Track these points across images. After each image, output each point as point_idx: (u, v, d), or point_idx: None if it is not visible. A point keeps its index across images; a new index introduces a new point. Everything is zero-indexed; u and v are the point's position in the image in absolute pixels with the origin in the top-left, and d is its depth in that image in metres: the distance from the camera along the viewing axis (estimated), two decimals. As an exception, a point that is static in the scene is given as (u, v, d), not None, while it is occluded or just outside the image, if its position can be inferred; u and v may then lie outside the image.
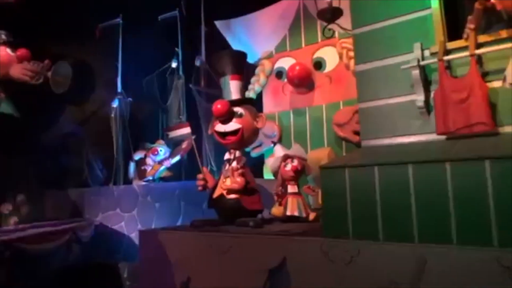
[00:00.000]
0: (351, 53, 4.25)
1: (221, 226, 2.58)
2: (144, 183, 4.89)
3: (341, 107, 4.41)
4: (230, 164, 2.73)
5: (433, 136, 2.00)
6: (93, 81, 6.01)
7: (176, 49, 6.15)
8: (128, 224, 4.30)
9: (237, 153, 2.76)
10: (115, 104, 5.32)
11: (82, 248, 3.60)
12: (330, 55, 4.66)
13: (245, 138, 2.73)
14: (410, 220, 1.61)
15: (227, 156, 2.78)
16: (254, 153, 4.89)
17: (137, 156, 5.21)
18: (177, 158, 4.52)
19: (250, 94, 5.40)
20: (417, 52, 2.17)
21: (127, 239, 4.25)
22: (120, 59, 5.57)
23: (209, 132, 2.88)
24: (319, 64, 4.77)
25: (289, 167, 2.80)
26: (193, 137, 3.38)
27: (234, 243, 2.07)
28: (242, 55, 3.03)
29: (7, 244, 2.48)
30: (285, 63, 5.43)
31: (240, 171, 2.60)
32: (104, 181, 5.15)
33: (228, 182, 2.65)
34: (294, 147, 2.89)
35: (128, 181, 5.31)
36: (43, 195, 4.45)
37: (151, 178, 4.50)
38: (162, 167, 4.52)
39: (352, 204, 1.77)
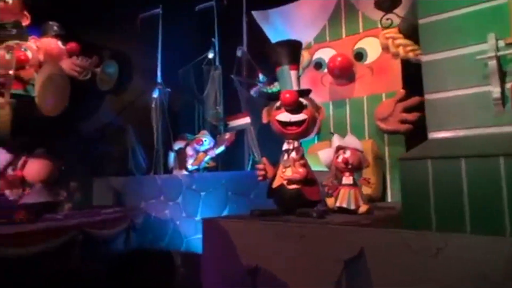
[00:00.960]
0: (398, 41, 4.19)
1: (281, 216, 2.59)
2: (186, 172, 4.95)
3: (384, 99, 4.36)
4: (289, 155, 2.73)
5: (508, 128, 1.96)
6: (131, 71, 6.09)
7: (213, 39, 6.17)
8: (172, 212, 4.38)
9: (296, 144, 2.75)
10: (155, 94, 5.37)
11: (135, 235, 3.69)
12: (371, 46, 4.60)
13: (307, 130, 2.73)
14: (502, 213, 1.58)
15: (285, 146, 2.78)
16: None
17: (177, 146, 5.28)
18: (221, 148, 4.56)
19: (277, 87, 5.37)
20: (491, 43, 2.12)
21: (172, 227, 4.33)
22: (160, 49, 5.60)
23: (264, 121, 2.87)
24: (360, 55, 4.72)
25: (340, 158, 2.78)
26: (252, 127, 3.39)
27: (306, 233, 2.08)
28: (299, 45, 3.01)
29: (79, 228, 2.56)
30: (324, 54, 5.38)
31: (302, 161, 2.60)
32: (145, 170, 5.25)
33: (288, 172, 2.65)
34: (349, 138, 2.87)
35: (167, 171, 5.39)
36: (90, 183, 4.56)
37: (196, 167, 4.56)
38: (207, 157, 4.57)
39: (435, 196, 1.75)
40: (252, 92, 5.07)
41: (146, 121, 5.77)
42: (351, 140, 2.82)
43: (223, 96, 5.98)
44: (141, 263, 3.37)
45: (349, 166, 2.74)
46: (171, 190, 4.43)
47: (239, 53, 4.86)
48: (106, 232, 2.88)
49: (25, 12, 4.08)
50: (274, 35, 5.89)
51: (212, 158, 4.60)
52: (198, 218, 4.15)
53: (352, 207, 2.65)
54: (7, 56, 3.51)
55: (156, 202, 4.54)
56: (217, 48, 6.18)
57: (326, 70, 5.26)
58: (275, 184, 2.72)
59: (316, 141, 5.03)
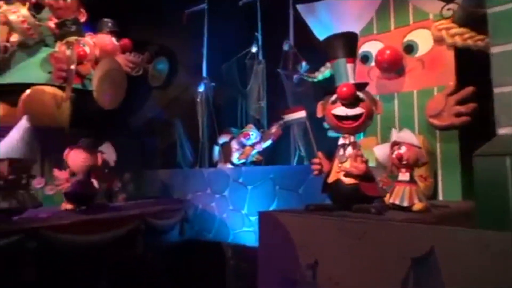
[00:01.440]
0: (453, 31, 4.02)
1: (337, 211, 2.56)
2: (231, 166, 5.00)
3: (435, 93, 4.21)
4: (345, 150, 2.69)
5: None
6: (176, 66, 6.19)
7: (256, 33, 6.17)
8: (219, 204, 4.43)
9: (352, 138, 2.71)
10: (200, 88, 5.44)
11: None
12: (422, 38, 4.44)
13: (364, 124, 2.67)
14: None
15: (341, 141, 2.74)
16: (330, 133, 4.77)
17: (222, 140, 5.33)
18: (268, 142, 4.57)
19: (319, 76, 5.27)
20: None
21: (218, 219, 4.39)
22: (205, 44, 5.66)
23: (319, 115, 2.84)
24: (410, 48, 4.56)
25: (395, 154, 2.71)
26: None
27: (369, 229, 2.04)
28: (356, 37, 2.95)
29: (141, 218, 2.65)
30: (371, 47, 5.24)
31: (364, 157, 2.56)
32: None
33: (346, 167, 2.61)
34: (404, 133, 2.78)
35: (212, 164, 5.47)
36: (141, 174, 4.70)
37: (243, 161, 4.59)
38: (254, 151, 4.59)
39: (515, 194, 1.67)
40: (293, 79, 5.01)
41: (190, 115, 5.87)
42: (407, 135, 2.74)
43: (266, 90, 5.99)
44: (194, 253, 3.44)
45: (404, 162, 2.66)
46: (217, 183, 4.49)
47: (285, 47, 4.83)
48: (165, 222, 2.96)
49: (82, 9, 4.24)
50: (319, 29, 5.80)
51: (259, 152, 4.61)
52: (245, 211, 4.18)
53: (405, 204, 2.58)
54: (68, 52, 3.67)
55: (203, 194, 4.61)
56: (260, 42, 6.17)
57: (373, 64, 5.14)
58: (331, 179, 2.69)
59: (362, 137, 4.94)
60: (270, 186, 4.00)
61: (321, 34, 5.84)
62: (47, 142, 3.36)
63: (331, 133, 4.83)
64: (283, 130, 4.57)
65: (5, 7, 3.83)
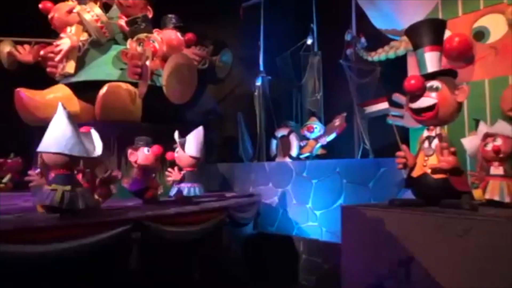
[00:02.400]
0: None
1: (424, 206, 2.46)
2: (289, 160, 4.97)
3: (510, 82, 3.95)
4: (430, 142, 2.57)
5: None
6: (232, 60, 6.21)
7: (311, 25, 6.07)
8: (281, 198, 4.41)
9: (438, 130, 2.58)
10: (258, 82, 5.43)
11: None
12: (495, 24, 4.16)
13: (442, 114, 2.53)
14: None
15: (426, 133, 2.62)
16: (389, 120, 4.58)
17: (280, 133, 5.31)
18: (332, 135, 4.49)
19: (374, 57, 5.05)
20: None
21: (281, 213, 4.37)
22: (262, 37, 5.64)
23: (405, 109, 2.75)
24: (480, 34, 4.29)
25: (489, 146, 2.54)
26: (394, 113, 3.26)
27: (473, 227, 1.94)
28: (442, 24, 2.81)
29: (227, 211, 2.69)
30: (436, 34, 5.03)
31: (452, 149, 2.43)
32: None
33: (432, 161, 2.50)
34: (500, 124, 2.61)
35: (269, 158, 5.46)
36: (202, 168, 4.76)
37: (307, 155, 4.54)
38: (318, 144, 4.53)
39: None
40: (347, 51, 4.82)
41: (247, 109, 5.88)
42: (502, 127, 2.57)
43: (323, 82, 5.89)
44: (266, 246, 3.45)
45: (501, 155, 2.50)
46: (280, 177, 4.47)
47: (347, 37, 4.70)
48: (245, 215, 2.98)
49: (148, 7, 4.33)
50: (377, 17, 5.61)
51: (323, 146, 4.54)
52: (309, 205, 4.14)
53: (507, 200, 2.42)
54: (139, 49, 3.76)
55: (265, 188, 4.61)
56: (315, 34, 6.07)
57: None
58: (416, 173, 2.58)
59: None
60: (336, 180, 3.92)
61: (380, 23, 5.66)
62: (121, 136, 3.47)
63: (390, 121, 4.67)
64: (347, 123, 4.47)
65: (78, 7, 3.98)
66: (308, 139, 4.58)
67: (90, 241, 1.81)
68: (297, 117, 6.13)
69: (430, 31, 2.77)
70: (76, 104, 3.80)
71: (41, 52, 4.17)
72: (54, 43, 3.83)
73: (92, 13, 3.81)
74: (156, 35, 3.94)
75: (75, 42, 3.75)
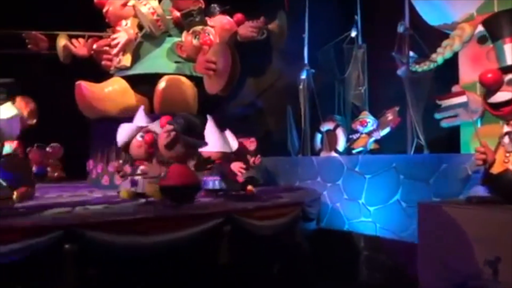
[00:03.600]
0: None
1: (505, 205, 2.36)
2: (335, 154, 4.90)
3: None
4: (511, 138, 2.47)
5: None
6: (270, 53, 6.15)
7: (355, 16, 5.93)
8: (331, 193, 4.35)
9: (519, 125, 2.47)
10: (303, 75, 5.36)
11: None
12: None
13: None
14: None
15: (507, 128, 2.51)
16: (445, 123, 4.46)
17: (325, 127, 5.23)
18: (386, 130, 4.39)
19: (438, 59, 4.93)
20: None
21: (330, 208, 4.32)
22: (306, 30, 5.55)
23: (481, 104, 2.64)
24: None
25: None
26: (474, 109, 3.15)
27: None
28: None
29: (300, 205, 2.67)
30: (490, 26, 4.84)
31: (538, 144, 2.32)
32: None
33: (516, 157, 2.39)
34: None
35: (314, 152, 5.39)
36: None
37: (360, 149, 4.46)
38: (371, 139, 4.44)
39: None
40: (399, 72, 4.75)
41: (286, 102, 5.82)
42: None
43: (367, 76, 5.77)
44: (326, 242, 3.41)
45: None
46: (329, 171, 4.40)
47: (400, 29, 4.57)
48: (313, 209, 2.93)
49: (200, 0, 4.31)
50: (425, 8, 5.44)
51: (376, 140, 4.45)
52: (362, 201, 4.06)
53: None
54: (195, 42, 3.75)
55: (312, 183, 4.55)
56: (359, 26, 5.94)
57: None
58: (496, 169, 2.47)
59: (479, 125, 4.56)
60: (392, 176, 3.83)
61: (430, 17, 5.49)
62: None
63: (445, 124, 4.54)
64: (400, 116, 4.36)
65: (132, 1, 3.99)
66: (360, 133, 4.49)
67: (187, 233, 1.82)
68: (340, 111, 6.03)
69: (510, 22, 2.65)
70: (132, 97, 3.84)
71: (94, 46, 4.21)
72: (110, 37, 3.86)
73: (149, 5, 3.81)
74: (210, 27, 3.91)
75: (132, 36, 3.77)
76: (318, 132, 5.29)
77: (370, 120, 4.46)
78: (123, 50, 3.83)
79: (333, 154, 5.01)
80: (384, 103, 5.54)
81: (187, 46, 3.84)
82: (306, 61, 5.54)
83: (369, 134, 4.41)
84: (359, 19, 5.97)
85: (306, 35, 5.56)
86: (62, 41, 4.18)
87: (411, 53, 4.85)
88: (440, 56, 4.85)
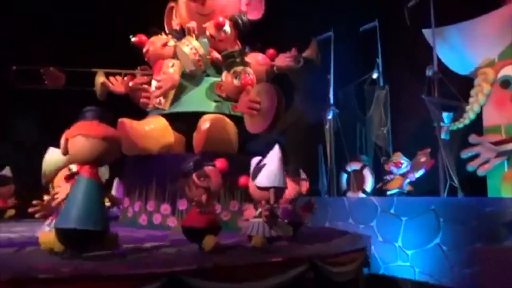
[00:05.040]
0: None
1: None
2: (363, 195, 4.87)
3: None
4: None
5: None
6: (292, 92, 6.26)
7: (377, 59, 6.11)
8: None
9: None
10: (329, 115, 5.43)
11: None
12: None
13: None
14: None
15: None
16: (481, 172, 4.43)
17: (352, 167, 5.24)
18: (421, 172, 4.39)
19: (474, 107, 5.03)
20: None
21: (364, 251, 4.22)
22: (332, 71, 5.68)
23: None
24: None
25: None
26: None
27: None
28: None
29: (364, 250, 2.61)
30: (513, 71, 5.02)
31: None
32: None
33: None
34: None
35: (340, 192, 5.37)
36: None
37: (396, 191, 4.44)
38: (407, 180, 4.43)
39: None
40: (443, 135, 4.76)
41: (311, 142, 5.87)
42: None
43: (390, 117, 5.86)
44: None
45: None
46: (362, 212, 4.36)
47: (429, 73, 4.69)
48: (368, 253, 2.87)
49: (237, 41, 4.40)
50: (447, 53, 5.63)
51: (411, 182, 4.44)
52: (399, 244, 4.00)
53: None
54: (235, 82, 3.78)
55: (344, 224, 4.49)
56: (381, 68, 6.10)
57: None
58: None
59: (506, 169, 4.57)
60: (432, 219, 3.79)
61: (451, 60, 5.67)
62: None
63: (471, 168, 4.57)
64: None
65: (172, 41, 4.06)
66: (394, 174, 4.49)
67: (276, 281, 1.75)
68: (362, 150, 6.07)
69: None
70: (171, 135, 3.80)
71: (130, 83, 4.24)
72: (157, 80, 3.88)
73: (191, 45, 3.87)
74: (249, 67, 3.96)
75: (176, 82, 3.77)
76: (344, 172, 5.29)
77: (404, 162, 4.47)
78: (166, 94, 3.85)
79: (361, 194, 4.98)
80: (409, 144, 5.60)
81: (227, 86, 3.86)
82: (332, 102, 5.63)
83: (404, 175, 4.41)
84: (380, 61, 6.15)
85: (331, 76, 5.69)
86: (100, 78, 4.19)
87: (445, 114, 4.92)
88: (475, 104, 4.96)
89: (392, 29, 6.07)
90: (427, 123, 4.93)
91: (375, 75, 5.95)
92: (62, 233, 1.74)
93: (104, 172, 2.59)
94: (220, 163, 2.25)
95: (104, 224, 1.77)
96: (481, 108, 4.70)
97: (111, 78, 4.27)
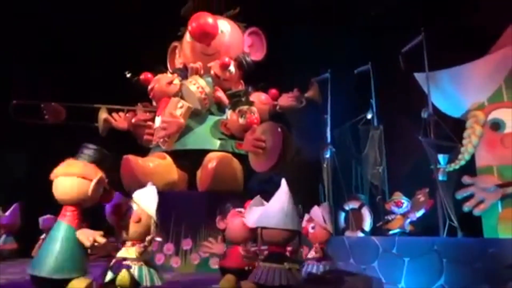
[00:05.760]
0: None
1: None
2: (361, 234, 4.85)
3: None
4: None
5: None
6: (289, 131, 6.34)
7: (371, 100, 6.29)
8: (366, 276, 4.23)
9: None
10: (327, 154, 5.49)
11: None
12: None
13: None
14: None
15: None
16: (477, 211, 4.53)
17: (350, 206, 5.24)
18: (421, 211, 4.42)
19: (468, 149, 5.19)
20: None
21: (366, 293, 4.16)
22: (329, 111, 5.81)
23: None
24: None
25: None
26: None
27: None
28: None
29: None
30: (502, 114, 5.22)
31: None
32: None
33: None
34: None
35: (338, 231, 5.33)
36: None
37: (398, 231, 4.44)
38: (408, 220, 4.44)
39: None
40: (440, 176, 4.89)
41: (304, 180, 5.88)
42: None
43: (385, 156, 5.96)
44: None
45: None
46: (363, 252, 4.32)
47: (424, 115, 4.85)
48: None
49: (241, 80, 4.52)
50: (437, 96, 5.84)
51: (412, 222, 4.46)
52: (402, 285, 3.95)
53: None
54: (241, 121, 3.85)
55: (344, 264, 4.42)
56: (375, 109, 6.27)
57: (506, 131, 5.06)
58: None
59: (500, 208, 4.67)
60: (435, 259, 3.78)
61: (442, 103, 5.88)
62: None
63: (467, 208, 4.65)
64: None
65: (177, 80, 4.14)
66: (395, 214, 4.51)
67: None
68: (357, 189, 6.11)
69: None
70: (175, 172, 3.81)
71: (133, 120, 4.27)
72: (161, 117, 3.91)
73: (197, 84, 3.95)
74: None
75: (182, 126, 3.82)
76: (342, 211, 5.29)
77: (404, 201, 4.52)
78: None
79: (359, 233, 4.96)
80: (403, 183, 5.67)
81: (232, 124, 3.93)
82: (329, 141, 5.72)
83: (404, 215, 4.44)
84: (374, 102, 6.33)
85: (328, 116, 5.81)
86: (103, 114, 4.22)
87: (442, 156, 5.05)
88: (469, 145, 5.10)
89: (385, 72, 6.30)
90: (422, 163, 5.03)
91: (369, 115, 6.09)
92: (35, 281, 1.69)
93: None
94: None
95: (81, 271, 1.73)
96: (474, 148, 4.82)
97: (114, 114, 4.30)
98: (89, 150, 1.96)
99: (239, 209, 2.60)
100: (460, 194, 4.59)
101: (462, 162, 4.75)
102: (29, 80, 5.27)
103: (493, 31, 5.69)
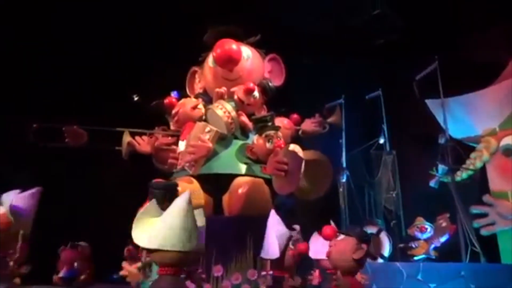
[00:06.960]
0: None
1: None
2: (381, 260, 4.81)
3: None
4: None
5: None
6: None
7: (382, 126, 6.38)
8: (392, 304, 4.18)
9: None
10: (343, 179, 5.51)
11: None
12: None
13: None
14: None
15: None
16: (485, 231, 4.62)
17: (368, 231, 5.20)
18: (445, 237, 4.42)
19: (470, 168, 5.28)
20: None
21: (392, 321, 4.10)
22: (344, 136, 5.86)
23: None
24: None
25: None
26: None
27: None
28: None
29: None
30: (514, 140, 5.34)
31: None
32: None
33: None
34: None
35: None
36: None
37: (422, 256, 4.41)
38: (432, 246, 4.43)
39: None
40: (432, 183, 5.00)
41: (323, 204, 5.86)
42: None
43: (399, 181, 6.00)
44: None
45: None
46: (386, 279, 4.27)
47: (441, 140, 4.93)
48: None
49: (264, 106, 4.53)
50: (451, 122, 5.94)
51: (435, 248, 4.44)
52: (428, 312, 3.91)
53: None
54: (268, 145, 3.84)
55: (367, 291, 4.37)
56: (386, 134, 6.35)
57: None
58: None
59: None
60: (461, 286, 3.76)
61: (454, 129, 6.00)
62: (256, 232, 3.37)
63: (486, 232, 4.71)
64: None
65: (201, 104, 4.15)
66: (419, 239, 4.50)
67: None
68: (371, 214, 6.12)
69: None
70: (202, 197, 3.75)
71: (156, 144, 4.24)
72: (186, 141, 3.89)
73: (224, 109, 3.95)
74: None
75: (210, 151, 3.78)
76: (359, 236, 5.25)
77: (428, 227, 4.52)
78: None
79: (379, 259, 4.92)
80: (418, 208, 5.69)
81: (259, 148, 3.90)
82: (344, 165, 5.75)
83: (428, 240, 4.43)
84: (385, 127, 6.43)
85: (343, 141, 5.86)
86: (127, 138, 4.18)
87: (441, 167, 5.15)
88: (471, 166, 5.20)
89: (396, 98, 6.43)
90: (436, 188, 5.08)
91: (381, 140, 6.17)
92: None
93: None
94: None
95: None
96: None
97: (137, 137, 4.27)
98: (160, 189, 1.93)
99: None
100: (475, 209, 4.67)
101: (465, 175, 4.79)
102: (47, 103, 5.27)
103: (499, 62, 5.89)
